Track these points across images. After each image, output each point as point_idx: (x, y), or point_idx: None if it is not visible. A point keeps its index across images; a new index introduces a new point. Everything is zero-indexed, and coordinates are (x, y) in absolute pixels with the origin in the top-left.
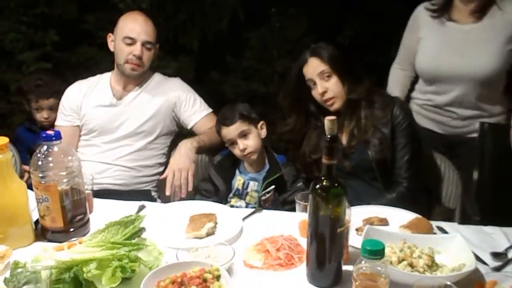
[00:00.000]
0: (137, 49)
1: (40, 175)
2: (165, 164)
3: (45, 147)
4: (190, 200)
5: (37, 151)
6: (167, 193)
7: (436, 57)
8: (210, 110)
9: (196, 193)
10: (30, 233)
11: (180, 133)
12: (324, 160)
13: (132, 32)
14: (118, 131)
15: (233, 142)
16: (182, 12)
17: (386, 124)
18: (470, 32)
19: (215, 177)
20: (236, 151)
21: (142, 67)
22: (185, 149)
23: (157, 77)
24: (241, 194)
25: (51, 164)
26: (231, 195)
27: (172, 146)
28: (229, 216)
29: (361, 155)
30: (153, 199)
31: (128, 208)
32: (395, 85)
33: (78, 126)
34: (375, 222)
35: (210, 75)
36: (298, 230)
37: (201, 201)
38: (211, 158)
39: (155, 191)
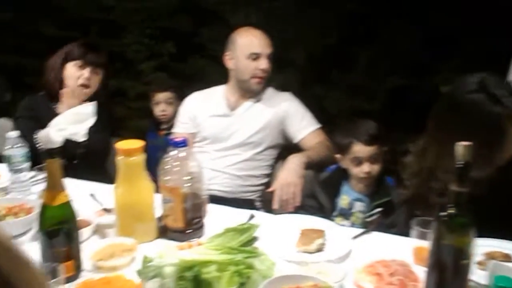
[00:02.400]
0: (263, 63)
1: (167, 177)
2: (270, 176)
3: (172, 152)
4: (297, 214)
5: (165, 155)
6: (275, 207)
7: None
8: (318, 125)
9: (300, 209)
10: (153, 230)
11: (287, 146)
12: (454, 187)
13: (257, 47)
14: (229, 140)
15: (360, 162)
16: (290, 26)
17: None
18: None
19: (320, 194)
20: (356, 170)
21: (265, 79)
22: (294, 164)
23: (269, 90)
24: (346, 214)
25: (176, 169)
26: (335, 213)
27: (278, 159)
28: (338, 234)
29: None
30: (255, 209)
31: (238, 215)
32: None
33: (193, 133)
34: (499, 257)
35: (313, 89)
36: (411, 257)
37: (309, 215)
38: (317, 174)
39: (259, 201)
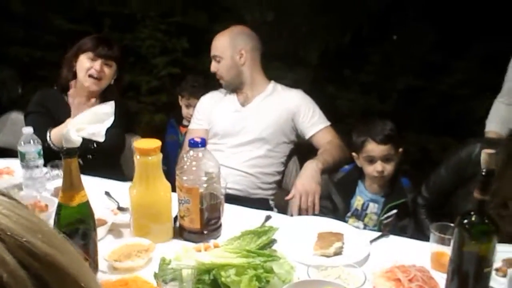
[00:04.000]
0: (213, 64)
1: (184, 177)
2: (283, 173)
3: (191, 152)
4: (312, 216)
5: (183, 155)
6: (294, 215)
7: None
8: (328, 123)
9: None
10: (170, 231)
11: (299, 144)
12: (476, 195)
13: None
14: (239, 136)
15: (372, 160)
16: (306, 25)
17: None
18: None
19: (335, 195)
20: (370, 169)
21: (222, 78)
22: (311, 171)
23: (280, 87)
24: (360, 215)
25: (194, 168)
26: (349, 214)
27: (290, 156)
28: (356, 237)
29: None
30: (270, 208)
31: (253, 216)
32: (495, 119)
33: (207, 129)
34: None
35: (326, 89)
36: (429, 262)
37: (324, 217)
38: (332, 174)
39: (272, 199)
